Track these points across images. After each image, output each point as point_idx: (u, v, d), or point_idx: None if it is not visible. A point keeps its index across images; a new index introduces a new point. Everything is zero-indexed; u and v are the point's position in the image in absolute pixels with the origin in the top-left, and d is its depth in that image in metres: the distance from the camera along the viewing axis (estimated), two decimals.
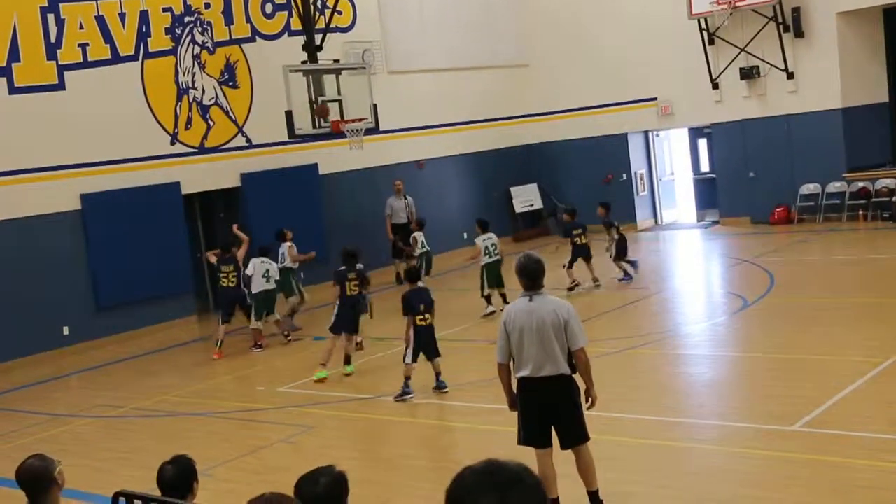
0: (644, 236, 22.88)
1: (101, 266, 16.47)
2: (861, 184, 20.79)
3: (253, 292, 14.84)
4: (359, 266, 12.76)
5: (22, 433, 11.34)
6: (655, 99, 23.28)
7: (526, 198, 24.18)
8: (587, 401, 7.08)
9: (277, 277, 15.14)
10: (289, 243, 15.80)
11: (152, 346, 15.97)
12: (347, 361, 12.43)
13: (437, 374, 11.00)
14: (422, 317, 10.82)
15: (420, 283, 11.36)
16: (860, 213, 20.67)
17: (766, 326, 12.69)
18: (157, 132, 17.51)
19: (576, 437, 7.01)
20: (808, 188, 21.34)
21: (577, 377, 6.98)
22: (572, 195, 23.92)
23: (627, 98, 23.53)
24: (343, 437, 10.03)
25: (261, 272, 14.88)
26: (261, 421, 10.93)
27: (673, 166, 25.05)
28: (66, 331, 16.05)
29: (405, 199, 19.71)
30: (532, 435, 7.01)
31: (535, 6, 24.70)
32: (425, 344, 10.92)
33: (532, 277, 6.86)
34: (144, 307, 16.95)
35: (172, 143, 17.72)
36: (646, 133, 24.33)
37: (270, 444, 9.95)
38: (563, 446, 7.06)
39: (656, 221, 24.39)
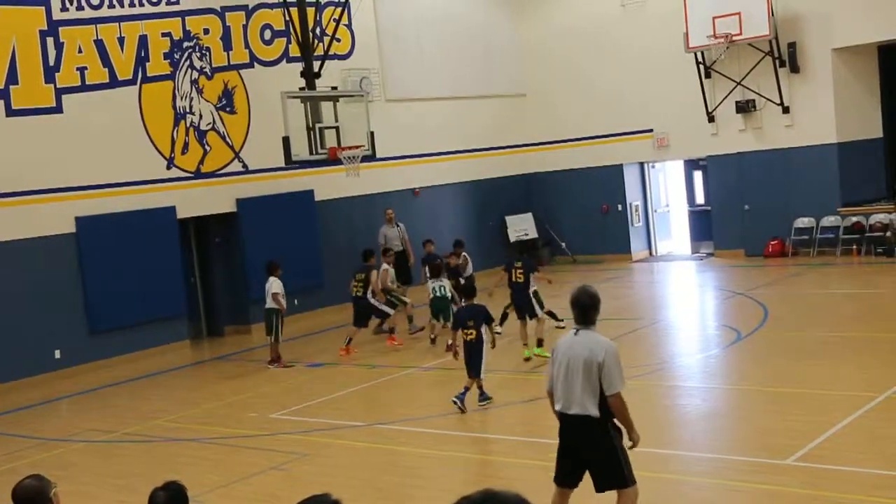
0: (638, 267, 22.92)
1: (94, 289, 16.43)
2: (855, 218, 20.87)
3: (266, 307, 14.90)
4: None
5: (11, 457, 11.25)
6: (651, 130, 23.40)
7: (521, 227, 24.21)
8: (630, 441, 6.74)
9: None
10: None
11: (145, 371, 15.90)
12: (539, 344, 13.35)
13: (479, 389, 11.27)
14: (468, 331, 11.10)
15: (474, 300, 11.59)
16: (854, 247, 20.72)
17: (760, 359, 12.68)
18: (154, 156, 17.54)
19: (608, 480, 6.67)
20: (803, 222, 21.41)
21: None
22: (568, 225, 24.02)
23: (624, 129, 23.65)
24: (337, 465, 9.97)
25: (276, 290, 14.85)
26: (253, 447, 10.87)
27: (668, 198, 25.13)
28: (57, 354, 15.98)
29: (397, 226, 19.76)
30: (557, 470, 6.84)
31: (533, 37, 24.87)
32: (467, 358, 11.14)
33: (582, 310, 6.61)
34: (137, 331, 16.90)
35: (169, 168, 17.75)
36: (641, 164, 24.43)
37: (262, 471, 9.89)
38: (596, 489, 6.77)
39: (651, 253, 24.42)
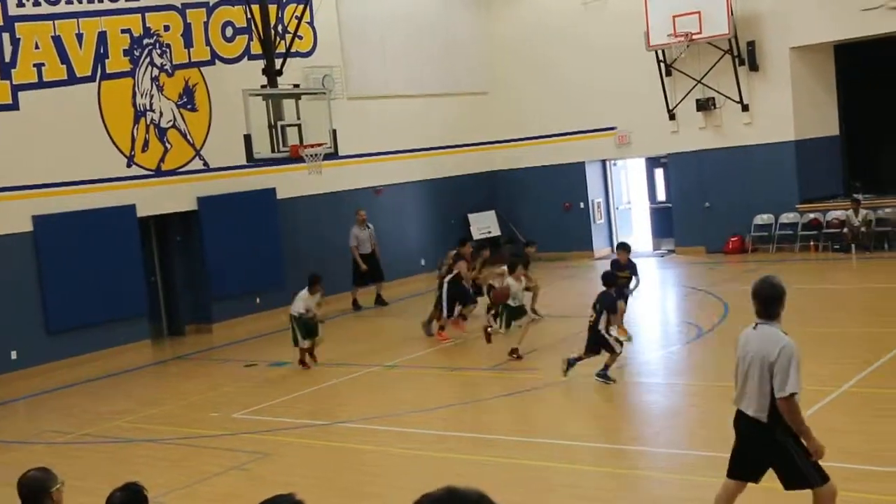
0: (600, 265, 22.98)
1: (52, 289, 16.20)
2: (813, 215, 21.14)
3: (293, 314, 14.33)
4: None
5: None
6: (613, 128, 23.53)
7: (484, 225, 24.26)
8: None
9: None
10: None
11: (104, 371, 15.72)
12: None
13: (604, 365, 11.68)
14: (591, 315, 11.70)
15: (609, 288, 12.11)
16: (812, 244, 20.99)
17: (721, 355, 12.76)
18: (114, 154, 17.34)
19: (790, 481, 6.27)
20: (762, 218, 21.65)
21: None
22: (531, 223, 24.09)
23: (586, 127, 23.77)
24: (299, 465, 9.93)
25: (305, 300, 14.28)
26: (214, 447, 10.79)
27: (630, 195, 25.29)
28: (14, 355, 15.74)
29: (368, 227, 19.74)
30: (729, 461, 6.53)
31: (496, 34, 24.92)
32: (588, 339, 11.73)
33: (763, 302, 6.19)
34: (97, 331, 16.70)
35: (129, 166, 17.56)
36: (603, 162, 24.57)
37: (223, 471, 9.82)
38: (785, 487, 6.39)
39: (612, 250, 24.56)
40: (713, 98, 21.94)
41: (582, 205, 24.21)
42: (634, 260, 14.84)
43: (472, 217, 24.09)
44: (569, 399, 11.69)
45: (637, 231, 25.07)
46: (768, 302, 6.14)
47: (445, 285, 15.47)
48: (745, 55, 21.42)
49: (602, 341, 11.65)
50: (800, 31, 20.96)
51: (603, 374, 11.59)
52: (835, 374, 10.94)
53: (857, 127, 22.37)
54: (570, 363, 11.82)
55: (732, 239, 21.83)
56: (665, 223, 23.82)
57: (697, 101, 22.05)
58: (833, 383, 10.56)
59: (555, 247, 23.80)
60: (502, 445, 9.80)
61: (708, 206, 22.29)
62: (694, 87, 22.03)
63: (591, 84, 23.39)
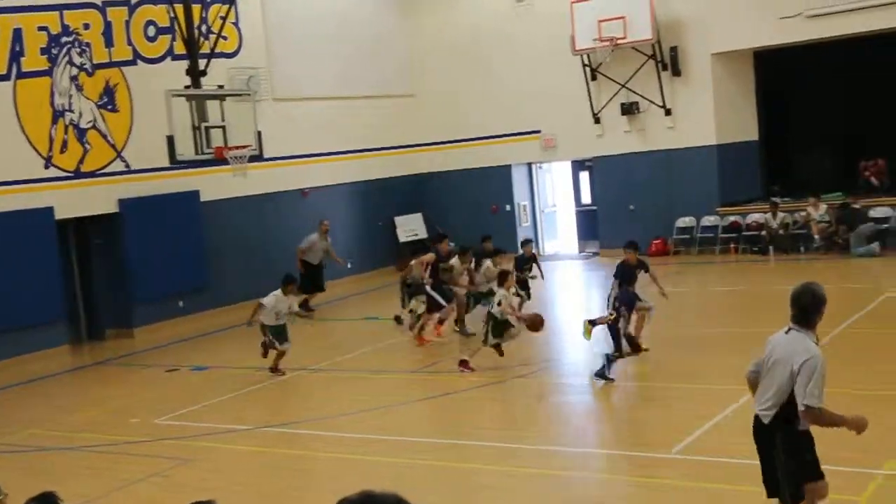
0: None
1: None
2: (733, 218, 21.59)
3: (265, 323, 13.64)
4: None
5: None
6: (539, 132, 23.72)
7: (410, 227, 24.24)
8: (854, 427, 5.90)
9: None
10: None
11: (21, 378, 15.29)
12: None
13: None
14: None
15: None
16: (732, 246, 21.43)
17: (644, 355, 12.93)
18: (31, 155, 16.89)
19: (774, 488, 6.11)
20: (684, 221, 22.03)
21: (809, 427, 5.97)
22: (458, 225, 24.10)
23: (512, 130, 23.92)
24: (221, 470, 9.77)
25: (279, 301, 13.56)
26: (134, 454, 10.57)
27: (555, 198, 25.51)
28: None
29: (327, 240, 19.58)
30: (763, 480, 6.21)
31: (423, 36, 24.93)
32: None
33: (801, 309, 5.90)
34: (12, 336, 16.22)
35: (46, 167, 17.12)
36: (529, 165, 24.75)
37: (143, 478, 9.62)
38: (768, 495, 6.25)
39: (538, 252, 24.72)
40: (637, 102, 22.26)
41: (508, 207, 24.35)
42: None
43: (398, 220, 24.06)
44: (496, 402, 11.73)
45: (562, 233, 25.30)
46: (806, 309, 5.89)
47: (427, 286, 14.90)
48: (668, 60, 21.79)
49: (615, 338, 11.54)
50: (720, 38, 21.39)
51: (601, 374, 11.52)
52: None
53: (775, 132, 22.91)
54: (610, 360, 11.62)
55: (655, 241, 22.16)
56: (590, 226, 24.09)
57: (622, 105, 22.37)
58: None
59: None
60: (430, 448, 9.78)
61: (632, 208, 22.60)
62: (618, 91, 22.34)
63: (518, 87, 23.55)
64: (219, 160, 16.38)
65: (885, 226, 19.79)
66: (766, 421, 5.96)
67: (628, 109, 22.34)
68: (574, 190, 25.20)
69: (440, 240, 16.36)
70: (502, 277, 12.88)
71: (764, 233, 20.78)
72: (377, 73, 23.91)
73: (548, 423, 10.66)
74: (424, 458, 9.36)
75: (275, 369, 13.69)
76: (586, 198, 24.76)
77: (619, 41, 21.54)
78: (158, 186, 18.50)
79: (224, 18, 18.10)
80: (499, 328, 12.53)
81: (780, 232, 20.64)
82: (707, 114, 21.75)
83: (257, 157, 17.03)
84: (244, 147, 16.39)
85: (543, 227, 24.97)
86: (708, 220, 21.83)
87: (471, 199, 24.43)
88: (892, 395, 9.95)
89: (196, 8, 17.01)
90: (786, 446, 5.91)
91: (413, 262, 15.73)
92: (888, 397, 9.86)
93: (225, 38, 19.08)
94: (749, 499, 7.66)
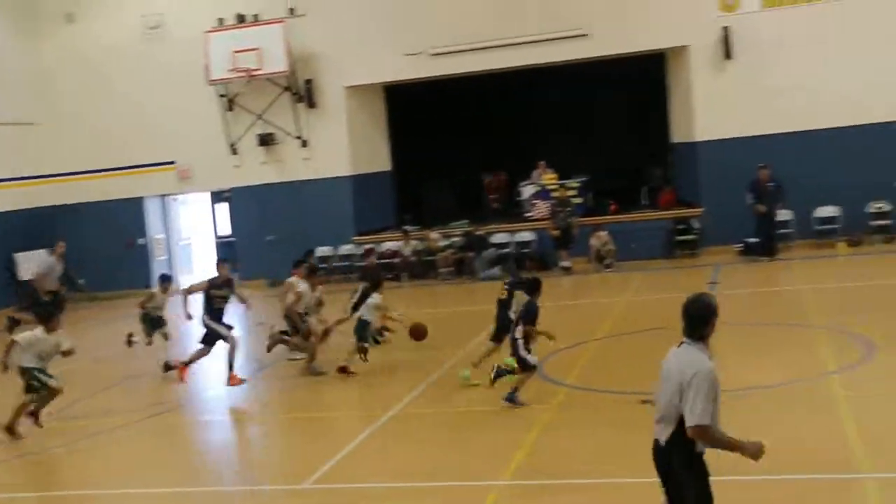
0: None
1: None
2: (368, 246, 22.23)
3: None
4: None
5: None
6: (174, 163, 23.09)
7: (34, 265, 22.43)
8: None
9: None
10: None
11: None
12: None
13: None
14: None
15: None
16: None
17: (283, 387, 12.93)
18: None
19: None
20: (323, 251, 22.37)
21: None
22: (88, 261, 22.77)
23: (146, 161, 23.16)
24: None
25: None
26: None
27: (192, 230, 24.92)
28: None
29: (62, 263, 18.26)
30: None
31: (46, 62, 23.47)
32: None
33: (690, 322, 5.57)
34: None
35: None
36: (163, 197, 24.01)
37: None
38: None
39: (173, 287, 23.99)
40: (273, 133, 22.39)
41: (142, 241, 23.49)
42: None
43: (19, 256, 22.21)
44: (126, 445, 11.08)
45: (199, 266, 24.72)
46: (696, 322, 5.58)
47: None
48: (303, 92, 22.13)
49: (517, 354, 10.52)
50: (352, 72, 22.11)
51: (511, 398, 10.44)
52: (384, 402, 11.35)
53: (406, 163, 24.00)
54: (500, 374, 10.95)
55: (295, 271, 22.20)
56: (230, 257, 23.69)
57: (259, 135, 22.39)
58: (381, 410, 10.97)
59: (114, 285, 22.76)
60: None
61: (270, 238, 22.60)
62: (255, 121, 22.33)
63: (153, 116, 22.85)
64: None
65: (507, 250, 21.31)
66: (662, 442, 5.57)
67: (265, 140, 22.40)
68: (213, 221, 24.75)
69: (220, 264, 14.56)
70: (378, 283, 13.25)
71: (398, 260, 21.60)
72: None
73: (185, 462, 10.28)
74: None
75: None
76: (226, 228, 24.41)
77: (254, 73, 21.54)
78: None
79: None
80: (367, 332, 12.70)
81: (413, 259, 21.57)
82: (342, 145, 22.34)
83: None
84: None
85: (179, 260, 24.28)
86: (345, 249, 22.34)
87: (104, 233, 23.22)
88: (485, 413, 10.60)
89: None
90: (684, 469, 5.52)
91: (156, 289, 14.54)
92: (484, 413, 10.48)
93: None
94: None
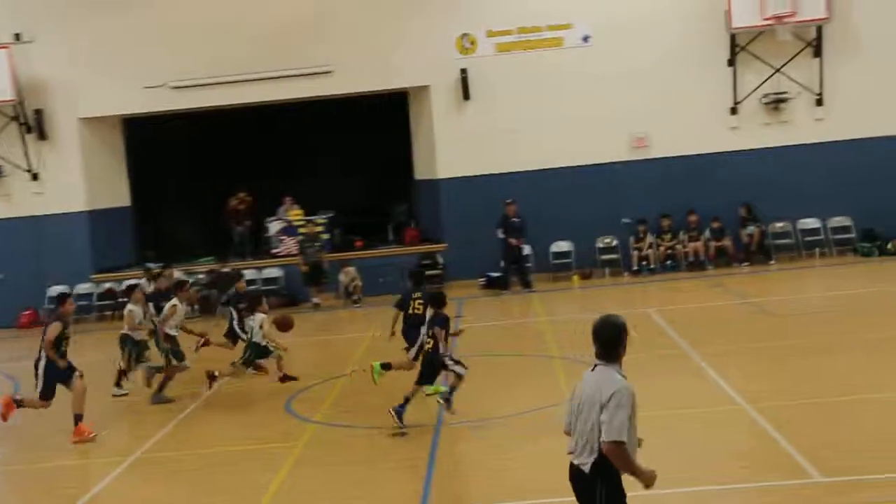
0: None
1: None
2: (108, 284, 21.29)
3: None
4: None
5: None
6: None
7: None
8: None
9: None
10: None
11: None
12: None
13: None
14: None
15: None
16: (110, 313, 21.00)
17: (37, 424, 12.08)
18: None
19: None
20: (57, 290, 21.03)
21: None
22: None
23: None
24: None
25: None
26: None
27: None
28: None
29: None
30: None
31: None
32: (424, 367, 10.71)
33: (602, 344, 5.56)
34: None
35: None
36: None
37: None
38: None
39: None
40: (1, 166, 21.05)
41: None
42: None
43: None
44: None
45: None
46: (609, 344, 5.59)
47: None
48: (32, 123, 20.99)
49: (443, 366, 10.51)
50: (87, 103, 21.21)
51: (447, 399, 10.45)
52: (129, 445, 10.90)
53: (150, 198, 23.16)
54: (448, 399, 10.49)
55: (26, 312, 20.96)
56: None
57: None
58: (125, 452, 10.54)
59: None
60: None
61: (2, 277, 21.15)
62: None
63: None
64: None
65: (254, 286, 20.95)
66: (586, 470, 5.49)
67: None
68: None
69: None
70: (256, 302, 13.11)
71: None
72: None
73: None
74: None
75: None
76: None
77: None
78: None
79: None
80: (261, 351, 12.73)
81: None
82: (77, 179, 21.35)
83: None
84: None
85: None
86: (82, 288, 21.22)
87: None
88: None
89: None
90: (610, 499, 5.50)
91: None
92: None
93: None
94: None
